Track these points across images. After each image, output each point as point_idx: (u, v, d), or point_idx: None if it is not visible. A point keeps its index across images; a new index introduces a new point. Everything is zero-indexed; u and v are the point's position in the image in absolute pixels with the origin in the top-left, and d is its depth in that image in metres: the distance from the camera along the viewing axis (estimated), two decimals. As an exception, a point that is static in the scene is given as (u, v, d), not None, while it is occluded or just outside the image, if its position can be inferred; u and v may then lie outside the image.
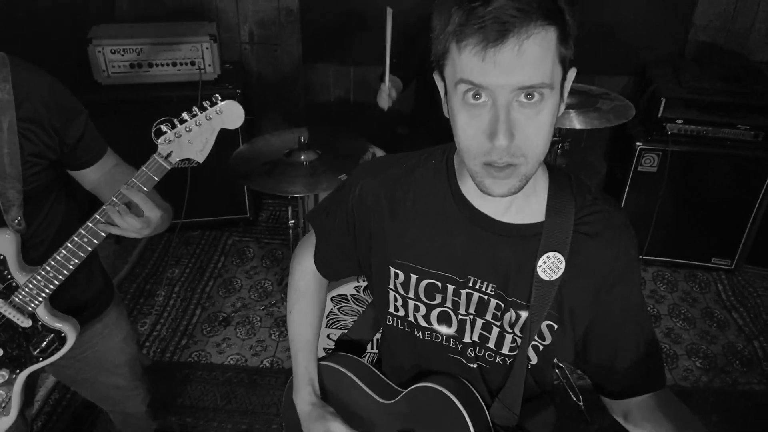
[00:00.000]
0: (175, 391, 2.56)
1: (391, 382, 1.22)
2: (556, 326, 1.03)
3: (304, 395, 1.22)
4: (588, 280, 1.00)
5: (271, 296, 3.08)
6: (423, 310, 1.08)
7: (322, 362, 1.25)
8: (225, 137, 3.15)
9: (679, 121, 3.01)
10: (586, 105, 2.21)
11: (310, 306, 1.26)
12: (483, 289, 1.03)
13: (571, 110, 2.19)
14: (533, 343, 1.05)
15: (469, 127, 0.86)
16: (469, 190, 1.00)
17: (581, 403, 2.68)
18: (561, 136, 2.45)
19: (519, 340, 1.04)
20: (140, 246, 3.40)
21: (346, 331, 1.38)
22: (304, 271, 1.25)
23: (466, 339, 1.08)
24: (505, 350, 1.07)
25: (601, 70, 3.41)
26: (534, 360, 1.07)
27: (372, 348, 1.40)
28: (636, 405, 1.08)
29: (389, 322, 1.15)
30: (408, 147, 1.13)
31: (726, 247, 3.29)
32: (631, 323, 1.05)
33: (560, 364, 2.86)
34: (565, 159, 2.53)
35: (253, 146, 2.63)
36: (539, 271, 0.98)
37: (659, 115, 3.01)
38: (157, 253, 3.36)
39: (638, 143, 3.07)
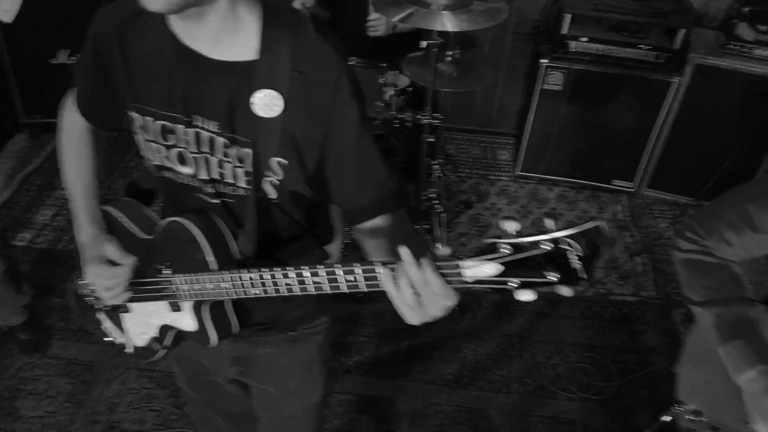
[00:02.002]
0: (64, 277, 2.66)
1: (156, 219, 1.28)
2: (286, 162, 1.07)
3: (86, 228, 1.26)
4: (309, 116, 1.04)
5: (177, 196, 3.15)
6: (163, 151, 1.13)
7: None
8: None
9: (584, 39, 3.02)
10: (460, 6, 2.21)
11: (84, 151, 1.29)
12: (209, 128, 1.08)
13: (444, 11, 2.19)
14: (269, 179, 1.10)
15: None
16: (178, 26, 1.03)
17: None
18: (450, 41, 2.47)
19: (252, 176, 1.09)
20: (53, 143, 3.43)
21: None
22: (73, 118, 1.28)
23: (203, 176, 1.13)
24: (241, 184, 1.12)
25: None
26: (273, 195, 1.12)
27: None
28: (371, 226, 1.16)
29: (146, 165, 1.20)
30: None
31: (627, 169, 3.36)
32: (357, 156, 1.10)
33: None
34: (450, 67, 2.55)
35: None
36: (255, 108, 1.02)
37: (563, 32, 3.02)
38: (69, 151, 3.39)
39: (543, 60, 3.09)
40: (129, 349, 1.41)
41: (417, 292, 0.90)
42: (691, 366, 1.30)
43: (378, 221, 1.17)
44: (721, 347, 1.16)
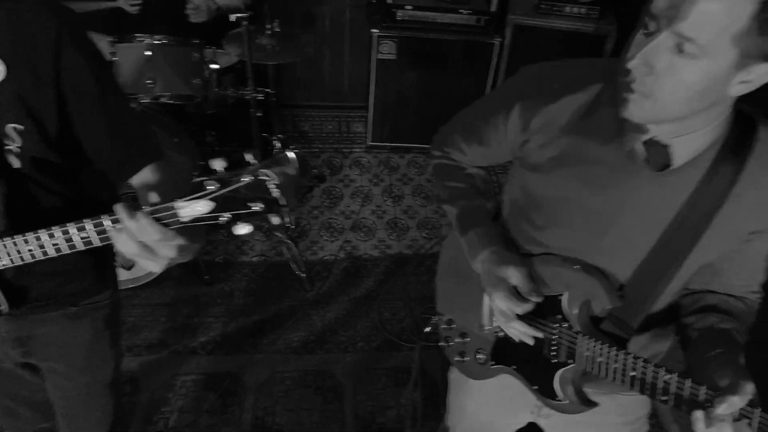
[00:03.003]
0: None
1: None
2: (22, 127, 1.06)
3: None
4: (36, 78, 1.03)
5: None
6: None
7: None
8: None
9: (408, 7, 3.13)
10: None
11: None
12: None
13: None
14: (7, 147, 1.07)
15: None
16: None
17: (303, 275, 2.85)
18: (267, 14, 2.48)
19: None
20: None
21: None
22: None
23: None
24: None
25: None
26: (17, 164, 1.10)
27: None
28: (141, 181, 1.16)
29: None
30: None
31: (469, 130, 3.52)
32: (103, 113, 1.10)
33: (287, 241, 2.98)
34: (271, 40, 2.57)
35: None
36: None
37: (389, 1, 3.11)
38: None
39: (374, 30, 3.18)
40: None
41: (141, 241, 0.93)
42: (443, 279, 1.41)
43: (146, 174, 1.17)
44: (464, 237, 1.24)
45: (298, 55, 2.62)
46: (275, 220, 0.96)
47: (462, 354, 1.35)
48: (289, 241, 2.83)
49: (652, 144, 0.96)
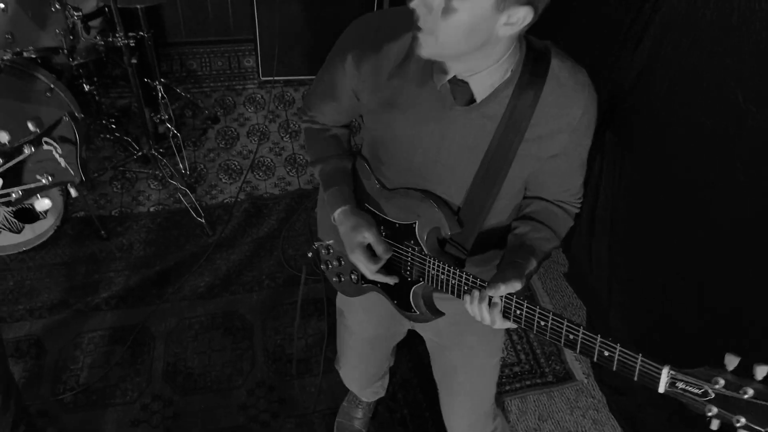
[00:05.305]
0: None
1: None
2: None
3: None
4: None
5: None
6: None
7: None
8: None
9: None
10: None
11: None
12: None
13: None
14: None
15: None
16: None
17: (203, 220, 2.84)
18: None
19: None
20: None
21: None
22: None
23: None
24: None
25: None
26: None
27: None
28: None
29: None
30: None
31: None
32: None
33: (182, 188, 2.95)
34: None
35: None
36: None
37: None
38: None
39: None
40: None
41: None
42: (322, 207, 1.53)
43: None
44: (326, 194, 1.37)
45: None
46: (73, 192, 0.96)
47: (339, 275, 1.48)
48: (184, 188, 2.81)
49: (454, 82, 1.09)
